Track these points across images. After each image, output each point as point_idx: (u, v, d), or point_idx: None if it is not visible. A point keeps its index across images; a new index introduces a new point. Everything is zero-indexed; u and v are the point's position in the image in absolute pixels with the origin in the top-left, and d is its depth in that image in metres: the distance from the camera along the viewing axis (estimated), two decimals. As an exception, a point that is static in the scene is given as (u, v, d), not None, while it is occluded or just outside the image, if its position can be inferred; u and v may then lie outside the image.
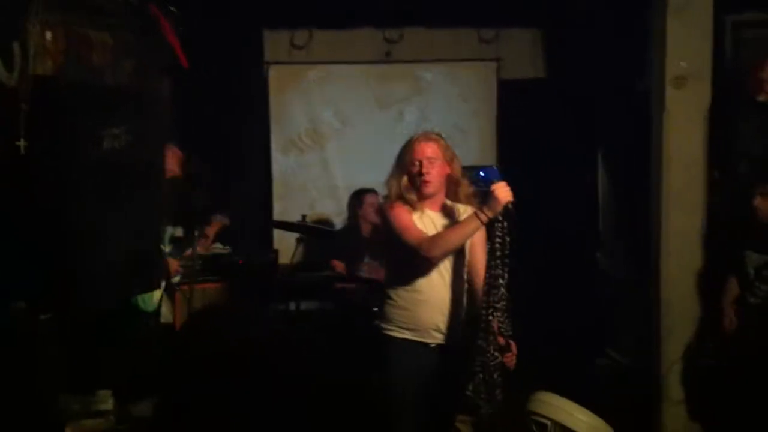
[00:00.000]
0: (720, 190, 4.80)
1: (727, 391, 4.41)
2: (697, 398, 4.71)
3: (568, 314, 6.11)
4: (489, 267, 3.29)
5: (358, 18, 6.96)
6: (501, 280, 3.27)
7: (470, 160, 7.17)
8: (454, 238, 3.30)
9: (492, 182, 3.25)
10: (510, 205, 3.21)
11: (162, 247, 4.00)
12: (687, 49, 4.77)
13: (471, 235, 3.28)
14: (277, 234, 7.03)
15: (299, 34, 7.20)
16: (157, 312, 4.39)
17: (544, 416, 4.10)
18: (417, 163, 3.45)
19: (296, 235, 6.07)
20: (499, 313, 3.29)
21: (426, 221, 3.45)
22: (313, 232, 6.05)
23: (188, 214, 4.72)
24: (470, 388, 3.31)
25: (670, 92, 4.78)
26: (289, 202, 7.11)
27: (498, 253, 3.26)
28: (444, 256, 3.37)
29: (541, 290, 6.31)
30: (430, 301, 3.41)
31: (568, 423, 4.01)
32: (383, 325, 3.49)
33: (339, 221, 6.76)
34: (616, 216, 6.27)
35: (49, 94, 2.93)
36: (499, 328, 3.30)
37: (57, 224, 2.98)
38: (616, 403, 4.50)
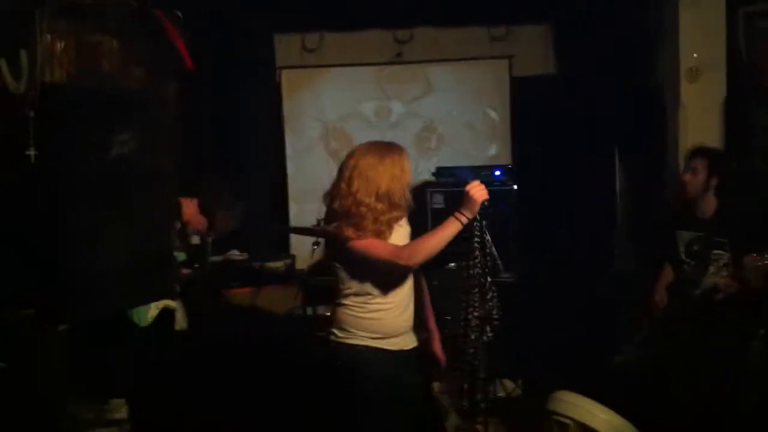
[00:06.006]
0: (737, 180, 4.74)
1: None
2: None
3: (585, 313, 6.06)
4: (470, 267, 3.25)
5: (369, 19, 6.95)
6: (483, 279, 3.23)
7: (484, 159, 7.19)
8: (435, 243, 3.17)
9: (466, 182, 3.20)
10: (486, 203, 3.17)
11: (174, 254, 3.98)
12: (700, 42, 4.74)
13: (452, 237, 3.20)
14: (294, 239, 7.03)
15: (310, 37, 7.21)
16: (153, 326, 4.32)
17: (565, 416, 4.06)
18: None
19: (313, 239, 6.04)
20: (480, 312, 3.26)
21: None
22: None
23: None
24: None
25: (684, 85, 4.76)
26: (304, 206, 7.10)
27: (478, 252, 3.23)
28: (425, 261, 3.26)
29: (558, 289, 6.27)
30: (400, 306, 3.32)
31: (590, 422, 3.97)
32: (347, 335, 3.32)
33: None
34: (633, 212, 6.21)
35: (57, 102, 2.93)
36: (484, 324, 3.26)
37: (65, 232, 2.97)
38: (634, 400, 4.45)
